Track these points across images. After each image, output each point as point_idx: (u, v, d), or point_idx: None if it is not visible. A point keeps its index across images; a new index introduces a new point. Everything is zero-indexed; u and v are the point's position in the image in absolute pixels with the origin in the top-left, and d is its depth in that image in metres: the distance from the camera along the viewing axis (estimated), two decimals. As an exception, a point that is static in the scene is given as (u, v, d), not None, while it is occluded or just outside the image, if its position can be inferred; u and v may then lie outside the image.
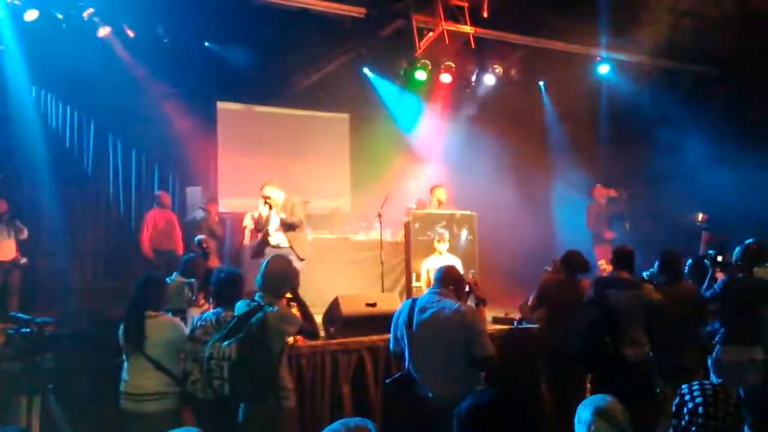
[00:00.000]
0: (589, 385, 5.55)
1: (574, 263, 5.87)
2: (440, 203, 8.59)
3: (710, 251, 6.37)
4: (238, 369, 3.74)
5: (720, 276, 5.96)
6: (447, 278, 4.36)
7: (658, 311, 5.19)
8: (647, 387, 5.16)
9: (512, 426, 2.49)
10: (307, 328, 4.31)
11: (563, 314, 5.65)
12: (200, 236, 7.50)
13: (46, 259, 8.98)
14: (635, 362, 5.08)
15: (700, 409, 2.70)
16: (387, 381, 4.64)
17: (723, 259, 6.02)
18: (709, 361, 5.47)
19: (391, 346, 4.54)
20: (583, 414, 2.79)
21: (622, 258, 5.45)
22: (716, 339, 5.52)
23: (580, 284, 5.75)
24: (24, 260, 8.10)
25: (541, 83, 11.12)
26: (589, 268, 5.97)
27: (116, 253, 9.77)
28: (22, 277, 8.11)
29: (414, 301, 4.36)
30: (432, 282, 4.51)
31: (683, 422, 2.72)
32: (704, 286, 5.82)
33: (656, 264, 5.78)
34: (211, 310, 4.64)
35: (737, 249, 5.88)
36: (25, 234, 8.07)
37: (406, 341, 4.29)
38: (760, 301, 5.53)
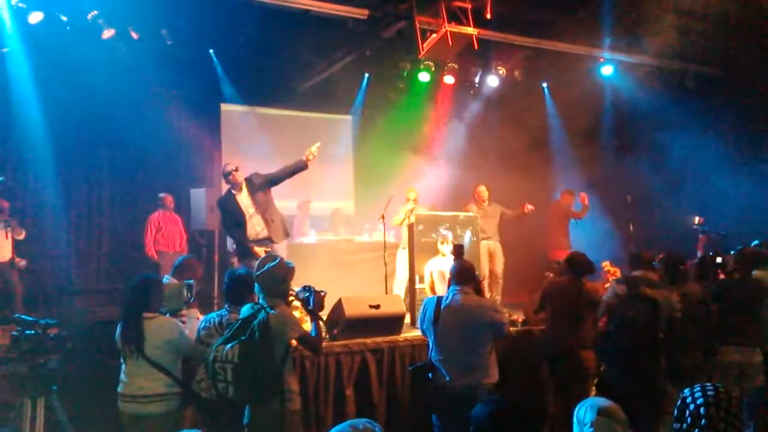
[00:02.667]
0: (594, 388, 5.54)
1: (578, 265, 5.86)
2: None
3: (710, 253, 6.38)
4: (240, 371, 3.74)
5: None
6: (464, 275, 4.86)
7: (672, 321, 5.20)
8: (659, 388, 5.17)
9: None
10: (310, 341, 4.25)
11: (566, 316, 5.64)
12: None
13: (50, 261, 9.00)
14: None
15: (702, 410, 2.71)
16: (410, 368, 5.07)
17: (722, 260, 6.03)
18: (712, 364, 5.45)
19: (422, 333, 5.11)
20: (585, 415, 2.80)
21: (645, 260, 5.49)
22: (717, 341, 5.50)
23: (584, 286, 5.73)
24: (23, 263, 8.07)
25: (544, 85, 11.09)
26: (593, 270, 5.96)
27: (120, 255, 9.80)
28: (22, 279, 8.10)
29: (439, 298, 4.86)
30: (450, 279, 4.93)
31: (686, 425, 2.73)
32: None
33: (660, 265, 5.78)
34: (216, 312, 4.65)
35: (735, 251, 5.89)
36: (22, 235, 8.04)
37: (432, 334, 4.79)
38: (755, 303, 5.52)
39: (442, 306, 4.76)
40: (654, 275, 5.40)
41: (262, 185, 6.87)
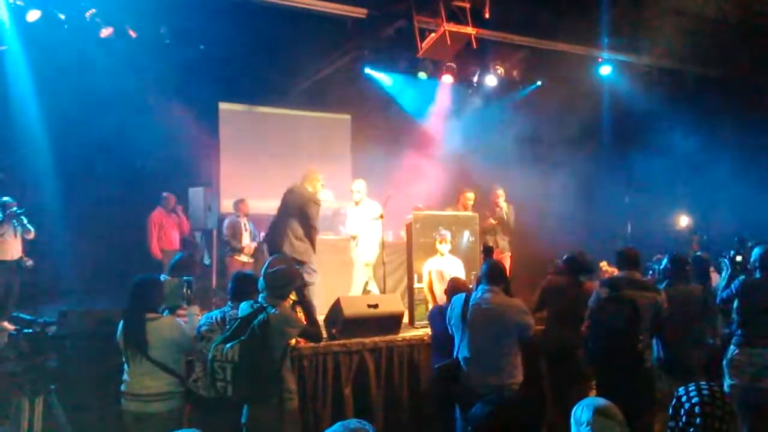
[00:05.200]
0: (594, 387, 5.53)
1: (577, 265, 5.86)
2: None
3: (731, 251, 6.34)
4: (240, 371, 3.75)
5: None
6: (495, 274, 4.90)
7: (665, 319, 5.19)
8: (652, 387, 5.17)
9: None
10: (310, 332, 4.31)
11: (566, 316, 5.65)
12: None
13: (48, 260, 8.99)
14: (650, 364, 5.12)
15: (697, 409, 2.73)
16: (437, 366, 5.04)
17: (742, 259, 5.99)
18: (724, 362, 5.43)
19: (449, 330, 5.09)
20: (582, 414, 2.81)
21: (630, 259, 5.44)
22: (733, 340, 5.48)
23: (583, 286, 5.74)
24: (30, 262, 8.09)
25: (537, 83, 11.09)
26: (592, 270, 5.97)
27: (118, 254, 9.77)
28: (21, 279, 8.10)
29: (467, 296, 4.89)
30: (480, 278, 4.98)
31: (681, 423, 2.75)
32: (722, 286, 5.79)
33: (663, 265, 5.78)
34: (218, 309, 4.65)
35: (755, 251, 5.85)
36: (32, 234, 8.07)
37: (459, 333, 4.84)
38: None
39: (470, 304, 4.80)
40: (639, 274, 5.39)
41: None
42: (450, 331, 5.02)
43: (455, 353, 4.87)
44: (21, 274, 8.01)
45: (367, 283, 8.14)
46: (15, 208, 7.85)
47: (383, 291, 7.76)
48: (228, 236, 9.31)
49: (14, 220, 7.86)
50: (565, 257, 6.05)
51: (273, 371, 3.90)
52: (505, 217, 9.30)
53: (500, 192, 9.36)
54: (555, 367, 5.91)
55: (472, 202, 9.36)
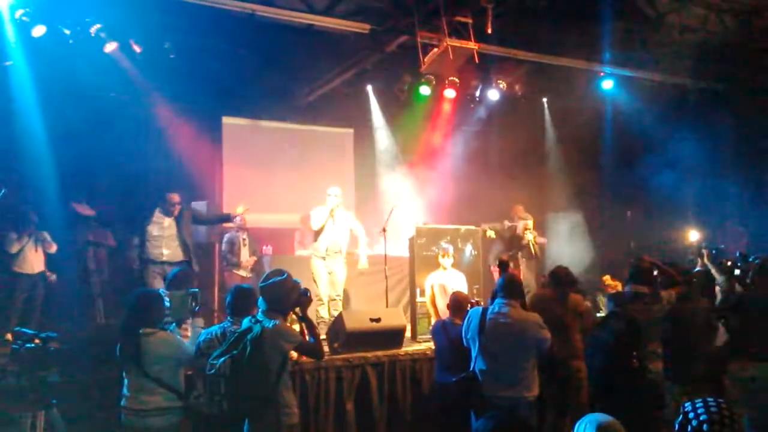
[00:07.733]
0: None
1: (562, 278, 5.85)
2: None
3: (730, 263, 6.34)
4: (231, 385, 3.75)
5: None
6: (512, 288, 4.94)
7: (679, 320, 5.18)
8: (660, 400, 5.15)
9: None
10: (309, 347, 4.26)
11: (554, 328, 5.63)
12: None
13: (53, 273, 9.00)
14: (656, 377, 5.10)
15: (705, 427, 2.68)
16: (454, 379, 5.03)
17: (740, 272, 5.98)
18: (727, 376, 5.41)
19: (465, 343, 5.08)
20: (584, 431, 2.78)
21: (640, 273, 5.42)
22: (735, 354, 5.46)
23: (568, 298, 5.74)
24: (53, 276, 8.15)
25: (544, 99, 11.12)
26: (576, 283, 5.97)
27: (122, 269, 9.77)
28: (46, 293, 8.14)
29: (484, 309, 4.92)
30: (497, 292, 4.97)
31: (687, 440, 2.71)
32: (720, 299, 5.78)
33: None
34: (218, 324, 4.64)
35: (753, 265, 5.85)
36: (53, 248, 8.13)
37: (476, 345, 4.85)
38: None
39: (487, 317, 4.81)
40: (645, 288, 5.37)
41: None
42: (466, 344, 5.03)
43: (472, 366, 4.88)
44: (44, 288, 8.07)
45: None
46: (35, 222, 7.94)
47: (386, 305, 7.75)
48: (226, 251, 9.28)
49: (35, 235, 7.93)
50: (549, 272, 6.07)
51: (267, 386, 3.87)
52: (532, 249, 9.39)
53: (529, 223, 9.40)
54: (549, 379, 5.89)
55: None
